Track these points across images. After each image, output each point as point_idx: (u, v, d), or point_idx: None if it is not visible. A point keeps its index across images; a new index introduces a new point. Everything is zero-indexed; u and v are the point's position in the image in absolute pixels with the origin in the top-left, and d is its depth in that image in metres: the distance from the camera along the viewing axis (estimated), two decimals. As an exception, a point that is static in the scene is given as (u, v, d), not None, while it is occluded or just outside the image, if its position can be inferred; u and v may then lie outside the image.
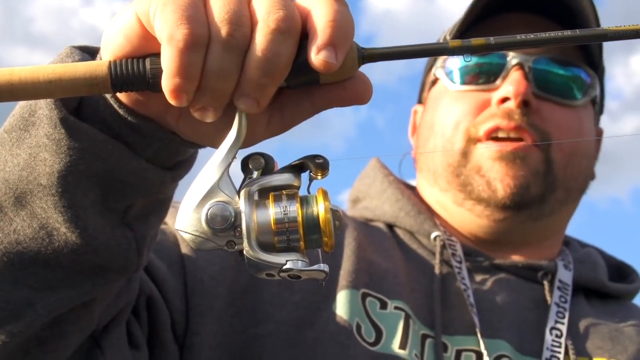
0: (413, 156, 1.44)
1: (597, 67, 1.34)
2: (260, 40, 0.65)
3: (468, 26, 1.33)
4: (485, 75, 1.30)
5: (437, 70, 1.38)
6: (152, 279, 1.05)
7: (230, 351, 1.10)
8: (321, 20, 0.66)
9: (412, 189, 1.42)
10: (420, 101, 1.46)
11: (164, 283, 1.06)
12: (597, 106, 1.37)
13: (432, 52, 0.70)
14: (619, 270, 1.42)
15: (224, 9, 0.65)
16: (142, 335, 1.02)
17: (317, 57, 0.65)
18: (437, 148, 1.32)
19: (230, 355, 1.10)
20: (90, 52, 0.79)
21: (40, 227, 0.77)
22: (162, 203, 0.84)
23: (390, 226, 1.34)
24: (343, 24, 0.66)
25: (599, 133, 1.43)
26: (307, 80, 0.68)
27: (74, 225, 0.76)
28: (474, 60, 1.31)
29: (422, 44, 0.69)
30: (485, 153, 1.25)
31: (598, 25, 1.28)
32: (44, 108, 0.74)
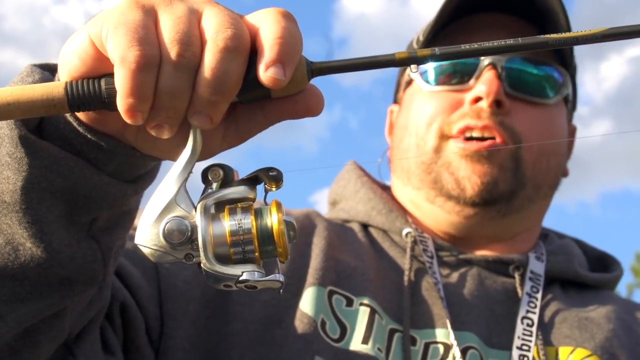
0: (389, 156, 1.46)
1: (568, 65, 1.36)
2: (210, 59, 0.67)
3: (442, 26, 1.35)
4: (458, 76, 1.32)
5: (411, 70, 1.39)
6: (126, 286, 1.07)
7: (202, 351, 1.13)
8: (269, 37, 0.67)
9: (388, 189, 1.45)
10: (395, 101, 1.48)
11: (138, 289, 1.08)
12: (570, 104, 1.39)
13: (379, 64, 0.71)
14: (601, 260, 1.44)
15: (173, 30, 0.67)
16: (117, 341, 1.04)
17: (265, 74, 0.67)
18: (411, 147, 1.34)
19: (203, 355, 1.13)
20: (51, 70, 0.81)
21: (6, 242, 0.79)
22: (126, 214, 0.86)
23: (365, 226, 1.36)
24: (291, 40, 0.68)
25: (572, 130, 1.45)
26: (258, 95, 0.70)
27: (39, 240, 0.78)
28: (449, 62, 1.32)
29: (369, 56, 0.71)
30: (455, 149, 1.27)
31: (568, 24, 1.30)
32: (5, 127, 0.76)
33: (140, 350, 1.08)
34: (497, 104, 1.27)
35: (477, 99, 1.28)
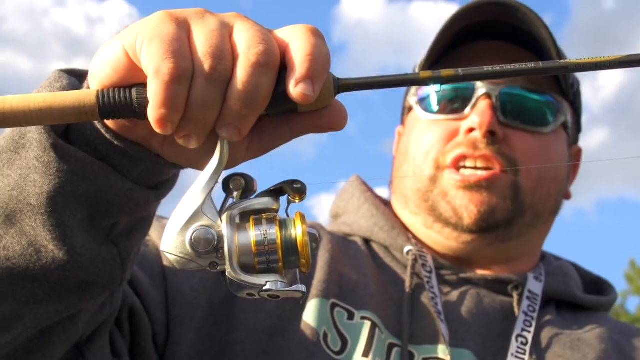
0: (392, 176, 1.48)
1: (566, 92, 1.38)
2: (242, 73, 0.68)
3: (439, 56, 1.37)
4: (455, 104, 1.35)
5: (411, 98, 1.42)
6: (135, 291, 1.08)
7: (207, 358, 1.14)
8: (299, 53, 0.69)
9: (390, 204, 1.47)
10: (402, 122, 1.50)
11: (147, 295, 1.10)
12: (570, 130, 1.40)
13: (405, 82, 0.73)
14: (596, 285, 1.46)
15: (207, 43, 0.68)
16: (125, 345, 1.05)
17: (295, 89, 0.69)
18: (409, 173, 1.37)
19: None
20: (76, 75, 0.82)
21: (29, 244, 0.80)
22: (145, 220, 0.88)
23: (367, 241, 1.38)
24: (320, 58, 0.70)
25: (576, 152, 1.47)
26: (286, 109, 0.72)
27: (61, 243, 0.79)
28: (446, 91, 1.35)
29: (395, 74, 0.73)
30: (451, 181, 1.29)
31: (557, 48, 1.32)
32: (34, 132, 0.77)
33: (146, 355, 1.09)
34: (491, 134, 1.29)
35: (471, 130, 1.30)
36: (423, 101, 1.39)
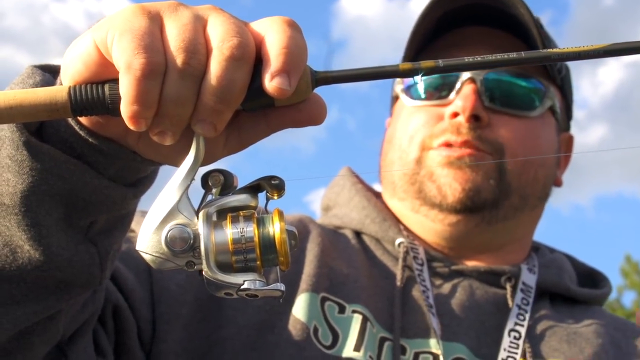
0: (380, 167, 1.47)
1: (553, 76, 1.36)
2: (215, 67, 0.67)
3: (423, 43, 1.37)
4: (440, 90, 1.34)
5: (397, 87, 1.42)
6: (119, 289, 1.07)
7: (194, 355, 1.13)
8: (274, 46, 0.68)
9: (381, 196, 1.45)
10: (391, 114, 1.49)
11: (131, 292, 1.08)
12: (559, 114, 1.39)
13: (383, 74, 0.72)
14: (591, 277, 1.45)
15: (179, 37, 0.67)
16: (109, 343, 1.04)
17: (271, 83, 0.67)
18: (395, 160, 1.36)
19: (195, 359, 1.13)
20: (51, 71, 0.81)
21: (4, 244, 0.78)
22: (124, 217, 0.86)
23: (358, 233, 1.37)
24: (296, 50, 0.68)
25: (567, 139, 1.45)
26: (262, 103, 0.70)
27: (37, 243, 0.78)
28: (430, 77, 1.34)
29: (374, 66, 0.71)
30: (436, 158, 1.28)
31: (540, 35, 1.30)
32: (6, 130, 0.76)
33: (131, 353, 1.08)
34: (475, 118, 1.28)
35: (455, 114, 1.29)
36: (409, 89, 1.38)
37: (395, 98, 1.44)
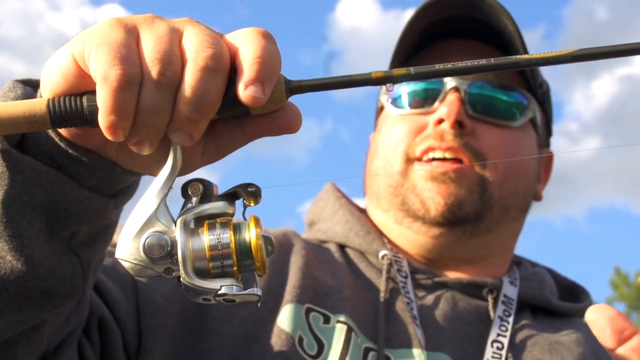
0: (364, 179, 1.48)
1: (534, 90, 1.38)
2: (190, 77, 0.68)
3: (407, 56, 1.39)
4: (424, 99, 1.36)
5: (382, 97, 1.44)
6: (104, 301, 1.07)
7: None
8: (248, 56, 0.69)
9: (365, 211, 1.47)
10: (375, 127, 1.50)
11: (116, 304, 1.09)
12: (540, 128, 1.41)
13: (356, 82, 0.73)
14: (572, 291, 1.46)
15: (155, 49, 0.68)
16: (95, 355, 1.04)
17: (245, 92, 0.68)
18: (379, 170, 1.37)
19: None
20: (33, 85, 0.82)
21: None
22: (106, 228, 0.87)
23: (342, 247, 1.38)
24: (270, 60, 0.69)
25: (549, 157, 1.47)
26: (237, 113, 0.72)
27: (19, 254, 0.79)
28: (416, 86, 1.37)
29: (346, 75, 0.73)
30: (420, 172, 1.30)
31: (524, 45, 1.33)
32: None
33: None
34: (459, 125, 1.30)
35: (440, 121, 1.31)
36: (394, 100, 1.40)
37: (380, 109, 1.46)
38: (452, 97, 1.31)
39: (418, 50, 1.41)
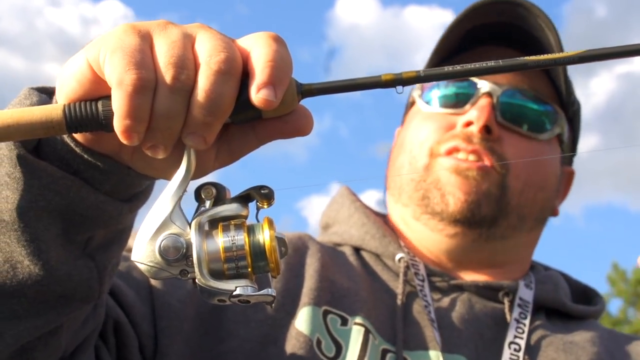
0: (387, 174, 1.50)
1: (566, 106, 1.40)
2: (204, 82, 0.69)
3: (445, 59, 1.41)
4: (456, 100, 1.37)
5: (415, 92, 1.46)
6: (120, 305, 1.09)
7: None
8: (260, 60, 0.70)
9: (379, 215, 1.48)
10: (402, 122, 1.52)
11: (132, 308, 1.10)
12: (565, 145, 1.42)
13: (366, 85, 0.74)
14: (584, 294, 1.47)
15: (169, 53, 0.70)
16: (111, 359, 1.05)
17: (257, 95, 0.70)
18: (404, 165, 1.39)
19: None
20: (47, 92, 0.83)
21: (5, 260, 0.81)
22: (122, 232, 0.88)
23: (358, 250, 1.39)
24: (281, 64, 0.71)
25: (569, 173, 1.48)
26: (250, 116, 0.73)
27: (36, 258, 0.80)
28: (449, 87, 1.39)
29: (357, 78, 0.74)
30: (445, 164, 1.31)
31: (561, 49, 1.33)
32: (4, 148, 0.78)
33: None
34: (486, 130, 1.31)
35: (469, 123, 1.32)
36: (427, 96, 1.42)
37: (411, 104, 1.48)
38: (483, 102, 1.33)
39: (456, 52, 1.42)
